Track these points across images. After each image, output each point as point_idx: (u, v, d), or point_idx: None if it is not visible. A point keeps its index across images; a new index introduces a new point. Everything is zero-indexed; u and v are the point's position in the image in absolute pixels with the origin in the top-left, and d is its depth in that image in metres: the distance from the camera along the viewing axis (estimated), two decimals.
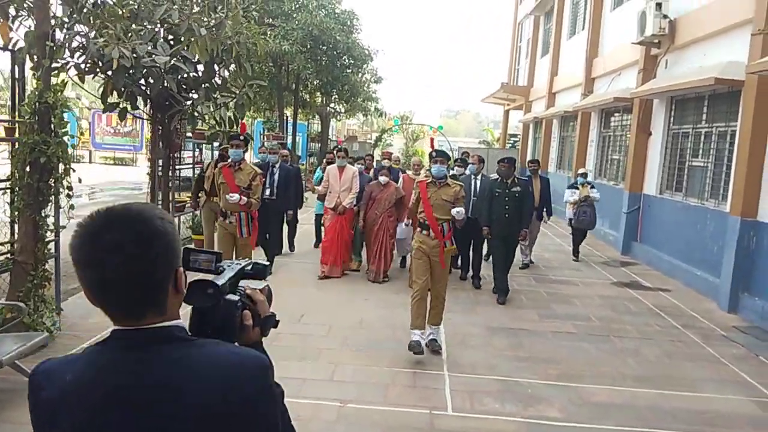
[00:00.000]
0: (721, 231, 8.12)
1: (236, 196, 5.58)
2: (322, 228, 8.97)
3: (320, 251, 8.58)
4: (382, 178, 8.30)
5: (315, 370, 5.00)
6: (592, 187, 10.38)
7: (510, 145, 27.36)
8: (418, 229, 5.57)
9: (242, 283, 1.37)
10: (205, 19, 5.75)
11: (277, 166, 8.77)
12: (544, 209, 9.66)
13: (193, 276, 1.28)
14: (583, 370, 5.34)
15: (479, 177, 8.31)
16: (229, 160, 6.43)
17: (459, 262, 8.60)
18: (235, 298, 1.30)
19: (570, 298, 7.90)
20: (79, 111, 31.20)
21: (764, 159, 7.33)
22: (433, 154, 5.77)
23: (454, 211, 5.34)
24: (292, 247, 9.95)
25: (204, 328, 1.25)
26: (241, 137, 6.13)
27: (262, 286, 1.41)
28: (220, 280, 1.29)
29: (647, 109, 11.04)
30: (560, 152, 18.44)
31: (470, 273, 8.40)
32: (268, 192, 8.36)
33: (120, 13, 5.39)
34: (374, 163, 10.62)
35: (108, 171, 25.63)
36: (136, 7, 6.18)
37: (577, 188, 10.13)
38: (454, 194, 5.46)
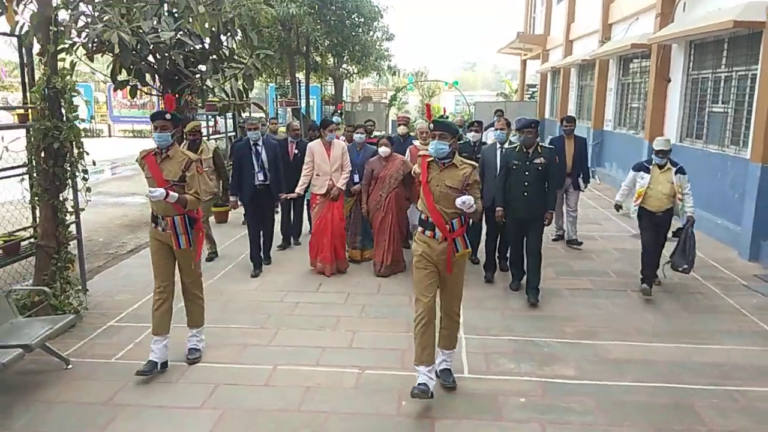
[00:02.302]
0: (741, 178, 7.97)
1: (160, 190, 4.21)
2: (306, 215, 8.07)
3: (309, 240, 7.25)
4: (383, 150, 6.84)
5: (334, 338, 5.11)
6: (680, 170, 6.03)
7: (528, 96, 26.85)
8: (419, 228, 4.18)
9: None
10: None
11: (260, 143, 6.96)
12: (580, 176, 8.15)
13: None
14: (600, 327, 5.37)
15: (506, 145, 6.67)
16: (155, 147, 4.51)
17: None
18: None
19: (588, 254, 7.88)
20: (95, 85, 31.47)
21: None
22: (431, 126, 4.39)
23: (458, 201, 3.86)
24: (297, 239, 8.45)
25: None
26: (167, 116, 4.46)
27: None
28: None
29: (666, 55, 10.72)
30: (579, 102, 18.07)
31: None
32: (261, 177, 6.92)
33: None
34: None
35: (128, 144, 25.86)
36: None
37: (649, 170, 6.14)
38: (463, 179, 4.03)
